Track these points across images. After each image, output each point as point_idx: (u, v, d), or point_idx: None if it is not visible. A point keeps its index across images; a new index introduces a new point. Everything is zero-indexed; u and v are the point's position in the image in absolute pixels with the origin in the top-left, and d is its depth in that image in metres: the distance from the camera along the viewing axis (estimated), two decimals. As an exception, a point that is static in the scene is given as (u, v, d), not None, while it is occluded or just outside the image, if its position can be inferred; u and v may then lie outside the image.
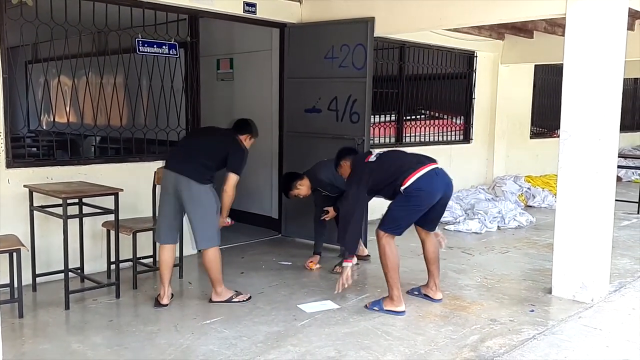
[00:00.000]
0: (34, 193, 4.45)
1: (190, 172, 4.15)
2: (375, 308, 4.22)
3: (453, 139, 8.80)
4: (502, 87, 9.18)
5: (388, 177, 4.18)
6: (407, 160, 4.28)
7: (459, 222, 7.20)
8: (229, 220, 4.47)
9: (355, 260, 5.24)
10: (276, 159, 6.50)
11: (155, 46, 5.32)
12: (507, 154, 9.46)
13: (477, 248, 6.23)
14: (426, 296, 4.48)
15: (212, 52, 7.06)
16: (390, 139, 7.80)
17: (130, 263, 4.68)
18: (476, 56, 8.80)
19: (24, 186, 4.46)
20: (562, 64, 4.46)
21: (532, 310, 4.29)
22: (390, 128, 7.79)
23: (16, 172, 4.54)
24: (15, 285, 4.03)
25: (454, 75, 8.62)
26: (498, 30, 8.33)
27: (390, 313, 4.14)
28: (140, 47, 5.23)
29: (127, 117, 5.53)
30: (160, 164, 5.16)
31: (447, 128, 8.71)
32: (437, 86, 8.40)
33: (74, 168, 4.85)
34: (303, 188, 5.19)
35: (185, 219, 4.32)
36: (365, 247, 5.63)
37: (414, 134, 8.13)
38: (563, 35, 4.53)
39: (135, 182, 5.11)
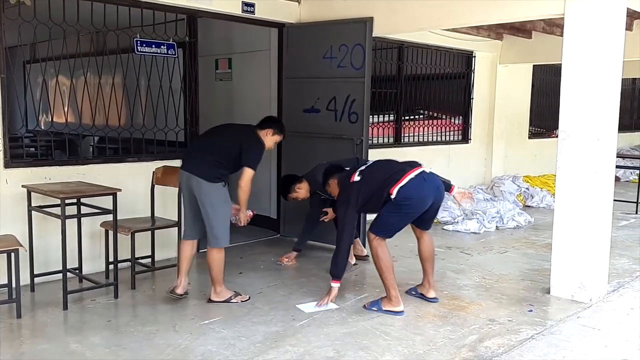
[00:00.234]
0: (32, 193, 4.44)
1: (199, 171, 4.19)
2: (373, 308, 4.22)
3: (451, 139, 8.80)
4: (500, 87, 9.18)
5: (375, 192, 4.17)
6: (390, 171, 4.22)
7: (457, 222, 7.21)
8: (249, 212, 4.50)
9: (353, 259, 5.26)
10: (275, 159, 6.49)
11: (153, 46, 5.32)
12: (506, 154, 9.46)
13: (476, 248, 6.24)
14: (421, 295, 4.49)
15: (210, 52, 7.06)
16: (388, 139, 7.80)
17: (129, 263, 4.67)
18: (475, 56, 8.81)
19: (22, 186, 4.46)
20: (561, 64, 4.46)
21: (531, 310, 4.29)
22: (388, 128, 7.80)
23: (14, 172, 4.53)
24: (14, 285, 4.03)
25: (452, 75, 8.62)
26: (496, 31, 8.34)
27: (388, 313, 4.15)
28: (138, 47, 5.22)
29: (126, 117, 5.52)
30: (158, 164, 5.17)
31: (445, 128, 8.71)
32: (436, 86, 8.40)
33: (72, 168, 4.85)
34: (302, 191, 5.19)
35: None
36: (364, 247, 5.63)
37: (412, 134, 8.14)
38: (561, 35, 4.54)
39: (133, 182, 5.11)
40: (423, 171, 4.23)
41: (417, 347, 3.63)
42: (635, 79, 13.94)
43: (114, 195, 4.31)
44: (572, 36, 4.38)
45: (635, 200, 8.33)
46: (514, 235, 6.90)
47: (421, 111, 8.38)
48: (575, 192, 4.44)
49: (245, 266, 5.40)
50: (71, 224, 4.43)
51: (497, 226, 7.21)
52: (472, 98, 8.92)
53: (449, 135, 8.78)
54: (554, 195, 5.02)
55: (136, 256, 4.73)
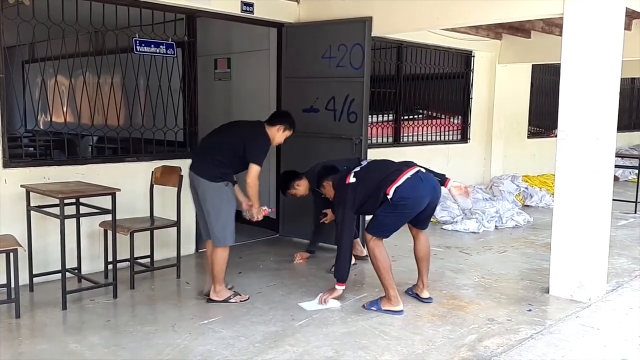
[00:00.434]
0: (31, 193, 4.44)
1: (201, 171, 4.22)
2: (373, 308, 4.22)
3: (450, 138, 8.80)
4: (499, 86, 9.18)
5: (371, 192, 4.16)
6: (385, 172, 4.21)
7: (456, 221, 7.21)
8: (265, 208, 4.51)
9: (352, 259, 5.25)
10: (274, 159, 6.49)
11: (152, 46, 5.31)
12: (505, 153, 9.46)
13: (475, 248, 6.24)
14: (416, 295, 4.49)
15: (209, 51, 7.05)
16: (387, 139, 7.80)
17: (128, 263, 4.67)
18: (474, 56, 8.80)
19: (21, 186, 4.45)
20: (560, 63, 4.47)
21: (530, 310, 4.29)
22: (387, 128, 7.80)
23: (13, 172, 4.53)
24: (12, 285, 4.03)
25: (451, 75, 8.62)
26: (495, 30, 8.34)
27: (388, 313, 4.15)
28: (137, 47, 5.21)
29: (125, 117, 5.52)
30: (157, 163, 5.17)
31: (444, 128, 8.71)
32: (435, 86, 8.40)
33: (71, 168, 4.84)
34: (301, 188, 5.18)
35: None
36: (364, 247, 5.63)
37: (411, 134, 8.14)
38: (560, 35, 4.54)
39: (132, 182, 5.11)
40: (419, 170, 4.23)
41: (416, 346, 3.64)
42: (634, 78, 13.95)
43: (113, 195, 4.31)
44: (571, 36, 4.38)
45: (634, 200, 8.34)
46: (513, 235, 6.90)
47: (420, 111, 8.38)
48: (574, 191, 4.44)
49: (244, 266, 5.40)
50: (70, 224, 4.42)
51: (496, 226, 7.21)
52: (471, 98, 8.92)
53: (448, 135, 8.78)
54: (553, 194, 5.02)
55: (135, 256, 4.73)
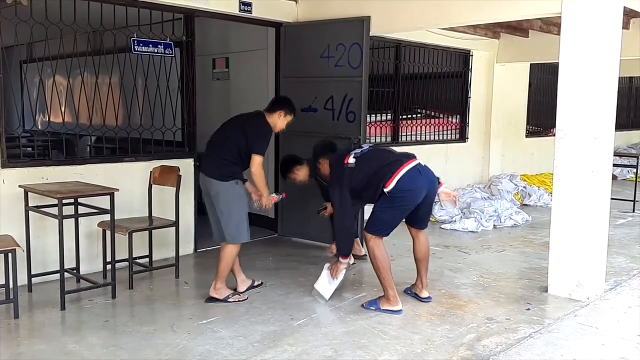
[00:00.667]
0: (29, 193, 4.43)
1: (210, 171, 4.27)
2: (371, 307, 4.22)
3: (449, 138, 8.81)
4: (497, 86, 9.19)
5: (368, 182, 4.16)
6: (386, 161, 4.20)
7: (455, 220, 7.21)
8: (274, 195, 4.55)
9: (352, 259, 5.25)
10: (273, 158, 6.49)
11: (150, 45, 5.31)
12: (503, 152, 9.47)
13: (474, 247, 6.24)
14: (415, 294, 4.49)
15: (207, 51, 7.05)
16: (386, 138, 7.80)
17: (126, 263, 4.66)
18: (472, 55, 8.81)
19: (19, 186, 4.45)
20: (558, 62, 4.47)
21: (529, 309, 4.30)
22: (386, 127, 7.80)
23: (11, 172, 4.52)
24: (11, 285, 4.01)
25: (449, 74, 8.62)
26: (494, 29, 8.34)
27: (386, 312, 4.15)
28: (135, 47, 5.21)
29: (123, 117, 5.52)
30: (156, 163, 5.17)
31: (443, 127, 8.71)
32: (433, 85, 8.40)
33: (70, 168, 4.84)
34: (300, 174, 5.13)
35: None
36: (362, 246, 5.63)
37: (409, 133, 8.14)
38: (558, 34, 4.55)
39: (131, 182, 5.10)
40: (419, 163, 4.23)
41: (415, 346, 3.64)
42: (632, 77, 13.97)
43: (112, 195, 4.30)
44: (569, 35, 4.39)
45: (633, 199, 8.35)
46: (511, 234, 6.91)
47: (418, 110, 8.38)
48: (572, 190, 4.44)
49: (243, 266, 5.35)
50: (68, 224, 4.42)
51: (494, 225, 7.22)
52: (470, 97, 8.92)
53: (447, 134, 8.78)
54: (551, 193, 5.03)
55: (134, 256, 4.72)
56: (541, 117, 10.46)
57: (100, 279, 4.70)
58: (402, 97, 7.91)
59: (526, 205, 8.67)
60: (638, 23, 7.47)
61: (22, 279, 4.37)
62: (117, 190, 4.36)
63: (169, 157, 5.43)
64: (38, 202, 4.46)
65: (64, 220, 4.12)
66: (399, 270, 4.97)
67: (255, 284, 4.66)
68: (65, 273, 4.27)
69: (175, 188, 4.87)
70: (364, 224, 4.36)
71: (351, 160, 4.23)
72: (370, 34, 5.63)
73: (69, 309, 4.18)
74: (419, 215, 4.33)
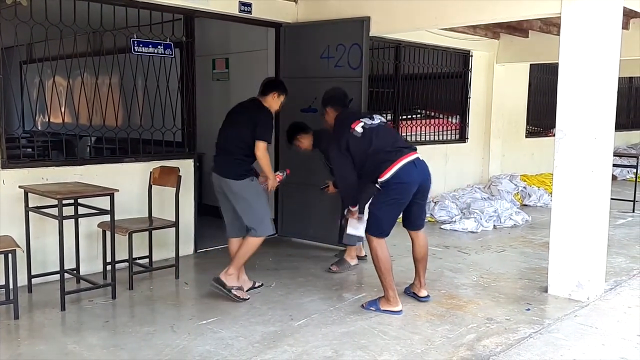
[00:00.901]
0: (29, 194, 4.43)
1: (226, 172, 4.33)
2: (371, 308, 4.22)
3: (449, 138, 8.81)
4: (497, 86, 9.19)
5: (366, 159, 4.16)
6: (388, 147, 4.18)
7: (455, 221, 7.21)
8: (279, 173, 4.62)
9: (355, 260, 5.25)
10: (273, 158, 6.48)
11: (150, 46, 5.31)
12: (503, 153, 9.47)
13: (473, 247, 6.24)
14: (414, 294, 4.49)
15: (207, 52, 7.05)
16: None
17: (126, 264, 4.66)
18: (472, 55, 8.81)
19: (19, 187, 4.45)
20: (558, 63, 4.47)
21: (528, 309, 4.30)
22: (386, 127, 7.79)
23: (11, 173, 4.52)
24: (11, 286, 4.01)
25: (449, 74, 8.62)
26: (493, 30, 8.34)
27: (386, 313, 4.15)
28: (135, 47, 5.21)
29: (123, 118, 5.52)
30: (155, 164, 5.17)
31: (442, 127, 8.71)
32: (433, 85, 8.40)
33: (70, 168, 4.84)
34: (304, 142, 5.20)
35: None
36: (363, 247, 5.62)
37: (409, 134, 8.14)
38: (558, 34, 4.54)
39: (130, 182, 5.10)
40: (417, 157, 4.22)
41: (415, 346, 3.64)
42: (632, 77, 13.98)
43: (111, 195, 4.30)
44: (569, 35, 4.39)
45: (632, 199, 8.35)
46: (511, 234, 6.91)
47: (418, 110, 8.39)
48: (572, 190, 4.44)
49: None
50: (68, 225, 4.42)
51: (494, 225, 7.22)
52: (469, 97, 8.92)
53: (447, 135, 8.78)
54: (551, 194, 5.03)
55: (134, 257, 4.72)
56: (541, 117, 10.47)
57: (100, 280, 4.70)
58: (402, 97, 7.91)
59: (526, 205, 8.67)
60: (638, 23, 7.47)
61: (22, 280, 4.37)
62: (117, 190, 4.36)
63: (168, 157, 5.43)
64: (38, 203, 4.46)
65: (64, 220, 4.12)
66: (399, 271, 4.97)
67: (257, 285, 4.66)
68: (65, 274, 4.27)
69: (175, 188, 4.87)
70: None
71: (358, 128, 4.21)
72: (370, 35, 5.64)
73: (69, 310, 4.18)
74: (413, 213, 4.33)
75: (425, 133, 8.40)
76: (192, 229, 5.67)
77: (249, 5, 5.77)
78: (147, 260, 5.13)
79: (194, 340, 3.69)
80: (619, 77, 4.52)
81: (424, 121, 8.42)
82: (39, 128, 5.57)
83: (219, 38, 7.21)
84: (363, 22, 5.57)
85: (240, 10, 5.72)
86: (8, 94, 4.70)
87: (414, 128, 8.23)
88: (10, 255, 3.92)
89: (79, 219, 4.59)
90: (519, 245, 6.37)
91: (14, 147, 4.85)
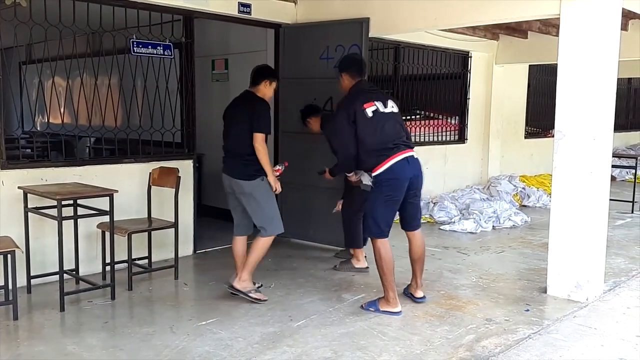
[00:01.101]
0: (28, 194, 4.43)
1: (236, 173, 4.35)
2: (371, 309, 4.22)
3: (448, 139, 8.81)
4: (496, 87, 9.20)
5: (363, 146, 4.16)
6: (388, 142, 4.16)
7: (454, 222, 7.22)
8: (278, 167, 4.61)
9: (365, 263, 5.23)
10: (272, 159, 6.48)
11: (149, 47, 5.31)
12: (502, 153, 9.48)
13: (473, 248, 6.25)
14: (410, 294, 4.49)
15: (207, 52, 7.05)
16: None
17: (126, 264, 4.66)
18: (471, 56, 8.82)
19: (19, 188, 4.44)
20: (557, 64, 4.48)
21: (528, 310, 4.30)
22: (385, 128, 7.78)
23: (10, 173, 4.52)
24: (10, 287, 4.01)
25: (448, 75, 8.63)
26: (492, 31, 8.35)
27: (386, 313, 4.15)
28: (134, 48, 5.21)
29: (122, 118, 5.52)
30: (155, 165, 5.17)
31: (442, 128, 8.72)
32: (432, 86, 8.41)
33: (69, 169, 4.83)
34: (313, 124, 5.35)
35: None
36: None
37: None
38: (557, 35, 4.55)
39: (130, 183, 5.10)
40: (411, 155, 4.22)
41: (414, 347, 3.64)
42: (631, 78, 13.99)
43: (111, 196, 4.30)
44: (568, 36, 4.40)
45: (631, 200, 8.36)
46: (510, 235, 6.91)
47: (418, 111, 8.39)
48: (571, 191, 4.45)
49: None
50: (68, 225, 4.41)
51: (493, 226, 7.23)
52: (469, 98, 8.93)
53: (446, 135, 8.79)
54: (550, 194, 5.02)
55: (133, 257, 4.72)
56: (540, 118, 10.47)
57: (100, 280, 4.70)
58: (401, 98, 7.90)
59: (525, 206, 8.68)
60: (637, 24, 7.48)
61: (22, 281, 4.36)
62: (117, 191, 4.36)
63: (168, 158, 5.43)
64: (37, 204, 4.45)
65: (63, 221, 4.12)
66: (398, 272, 4.93)
67: (256, 285, 4.65)
68: (65, 274, 4.27)
69: (174, 189, 4.87)
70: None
71: (369, 112, 4.18)
72: (370, 35, 5.64)
73: (68, 311, 4.18)
74: (408, 213, 4.35)
75: (424, 134, 8.41)
76: (191, 229, 5.67)
77: (248, 6, 5.77)
78: (146, 261, 5.13)
79: (194, 341, 3.69)
80: (618, 78, 4.53)
81: (423, 122, 8.42)
82: (38, 129, 5.58)
83: (219, 39, 7.21)
84: (362, 23, 5.57)
85: (239, 11, 5.72)
86: (7, 95, 4.70)
87: (413, 129, 8.22)
88: (9, 255, 3.92)
89: (78, 220, 4.58)
90: (518, 246, 6.37)
91: (13, 147, 4.86)
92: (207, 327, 3.92)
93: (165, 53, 5.42)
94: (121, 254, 4.59)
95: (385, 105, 4.27)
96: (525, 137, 10.25)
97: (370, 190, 4.22)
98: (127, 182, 5.06)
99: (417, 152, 4.34)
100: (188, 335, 3.77)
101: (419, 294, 4.45)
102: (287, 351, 3.54)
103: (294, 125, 6.11)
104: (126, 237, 4.53)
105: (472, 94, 8.95)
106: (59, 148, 5.18)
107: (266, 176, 4.37)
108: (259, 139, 4.28)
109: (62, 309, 4.17)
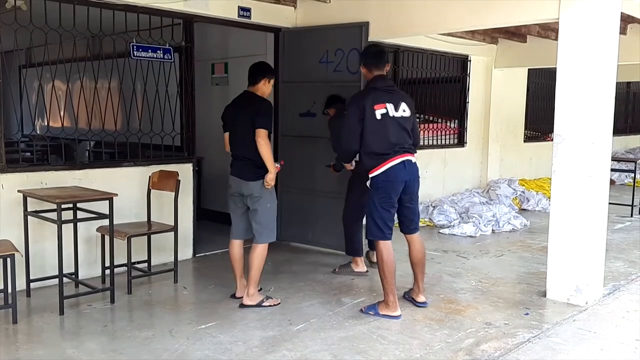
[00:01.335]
0: (28, 198, 4.43)
1: (245, 175, 4.32)
2: (370, 312, 4.22)
3: (447, 142, 8.82)
4: (495, 90, 9.21)
5: (365, 148, 4.18)
6: (389, 145, 4.16)
7: (453, 225, 7.22)
8: (276, 165, 4.55)
9: (364, 268, 5.24)
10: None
11: (149, 51, 5.32)
12: (501, 157, 9.49)
13: (472, 251, 6.25)
14: (412, 299, 4.49)
15: (206, 56, 7.06)
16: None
17: (125, 268, 4.66)
18: (470, 60, 8.84)
19: (18, 191, 4.45)
20: (556, 68, 4.49)
21: (527, 314, 4.30)
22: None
23: (10, 177, 4.52)
24: (9, 290, 4.01)
25: (448, 79, 8.64)
26: (492, 35, 8.37)
27: (385, 317, 4.15)
28: (134, 52, 5.22)
29: (122, 122, 5.52)
30: (154, 168, 5.17)
31: (441, 132, 8.73)
32: (432, 90, 8.42)
33: (68, 173, 4.84)
34: (332, 113, 5.43)
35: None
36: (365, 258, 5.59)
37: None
38: (556, 39, 4.56)
39: (129, 186, 5.10)
40: (409, 160, 4.22)
41: (414, 351, 3.64)
42: (630, 82, 14.03)
43: (110, 200, 4.31)
44: (567, 40, 4.41)
45: (631, 204, 8.36)
46: (510, 239, 6.91)
47: (417, 115, 8.37)
48: (570, 195, 4.45)
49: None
50: (67, 229, 4.41)
51: (493, 229, 7.23)
52: (468, 102, 8.94)
53: (445, 139, 8.79)
54: (549, 198, 5.03)
55: (132, 261, 4.71)
56: (539, 122, 10.49)
57: (99, 284, 4.70)
58: (401, 102, 7.91)
59: (524, 209, 8.68)
60: (635, 28, 7.50)
61: (21, 284, 4.36)
62: (116, 195, 4.36)
63: (167, 162, 5.43)
64: (37, 207, 4.45)
65: (62, 225, 4.12)
66: (398, 275, 4.92)
67: (259, 289, 4.64)
68: (64, 278, 4.26)
69: (174, 193, 4.87)
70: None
71: (379, 113, 4.16)
72: (369, 40, 5.65)
73: (67, 314, 4.18)
74: (405, 216, 4.35)
75: (423, 137, 8.39)
76: (190, 233, 5.67)
77: (248, 10, 5.78)
78: (145, 264, 5.13)
79: (193, 344, 3.68)
80: (617, 82, 4.54)
81: (422, 126, 8.41)
82: (38, 132, 5.58)
83: (218, 43, 7.23)
84: (362, 27, 5.58)
85: (239, 15, 5.73)
86: (7, 98, 4.70)
87: (413, 132, 8.22)
88: (9, 259, 3.92)
89: (78, 223, 4.58)
90: (517, 249, 6.38)
91: (13, 151, 4.86)
92: (207, 330, 3.92)
93: (165, 57, 5.43)
94: (121, 258, 4.60)
95: (397, 109, 4.23)
96: (525, 141, 10.26)
97: (368, 192, 4.23)
98: (126, 185, 5.06)
99: (417, 155, 4.34)
100: (187, 339, 3.77)
101: (421, 298, 4.45)
102: (286, 355, 3.54)
103: (294, 129, 6.12)
104: (126, 240, 4.53)
105: (472, 97, 8.97)
106: (58, 152, 5.19)
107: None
108: (262, 134, 4.24)
109: (61, 312, 4.16)
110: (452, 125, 8.94)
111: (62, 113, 5.31)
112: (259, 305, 4.35)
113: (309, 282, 5.06)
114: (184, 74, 5.58)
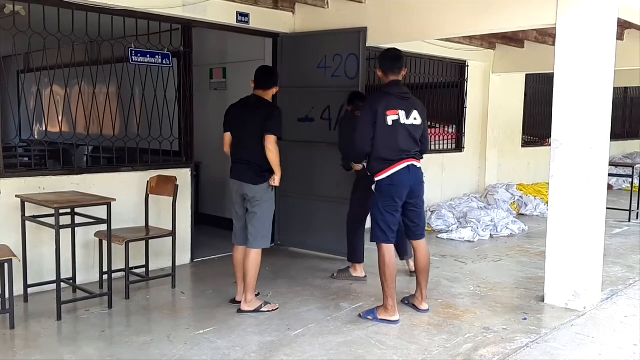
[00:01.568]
0: (26, 203, 4.42)
1: (248, 178, 4.32)
2: (369, 317, 4.22)
3: (445, 147, 8.83)
4: (493, 96, 9.23)
5: (373, 152, 4.19)
6: (396, 152, 4.18)
7: (451, 230, 7.22)
8: None
9: (363, 273, 5.23)
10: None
11: (148, 56, 5.33)
12: (499, 162, 9.50)
13: (470, 256, 6.25)
14: (413, 305, 4.48)
15: (205, 61, 7.07)
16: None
17: (123, 273, 4.65)
18: (468, 65, 8.86)
19: (16, 196, 4.44)
20: (553, 73, 4.50)
21: (525, 319, 4.30)
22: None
23: (8, 182, 4.52)
24: (7, 296, 4.00)
25: (445, 84, 8.67)
26: (489, 40, 8.40)
27: (384, 322, 4.14)
28: (133, 57, 5.23)
29: (120, 127, 5.52)
30: (152, 173, 5.17)
31: (439, 137, 8.74)
32: (429, 95, 8.43)
33: (66, 178, 4.83)
34: (350, 110, 5.41)
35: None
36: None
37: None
38: (554, 44, 4.58)
39: (127, 191, 5.10)
40: (413, 164, 4.23)
41: (412, 356, 3.63)
42: (627, 88, 14.06)
43: (108, 205, 4.30)
44: (565, 46, 4.42)
45: (628, 209, 8.38)
46: (508, 244, 6.92)
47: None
48: (568, 200, 4.46)
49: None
50: (65, 234, 4.40)
51: (491, 234, 7.23)
52: (466, 107, 8.96)
53: (443, 144, 8.81)
54: (547, 203, 5.04)
55: (130, 266, 4.71)
56: (537, 127, 10.51)
57: (97, 289, 4.69)
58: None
59: (522, 214, 8.69)
60: (632, 34, 7.53)
61: (18, 289, 4.34)
62: (114, 200, 4.36)
63: (166, 167, 5.43)
64: (35, 212, 4.45)
65: (60, 230, 4.11)
66: (398, 280, 4.95)
67: (256, 295, 4.63)
68: (62, 283, 4.25)
69: (172, 198, 4.87)
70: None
71: (390, 119, 4.18)
72: (367, 45, 5.67)
73: (65, 320, 4.17)
74: (411, 220, 4.35)
75: (421, 142, 8.42)
76: (188, 238, 5.67)
77: (247, 15, 5.79)
78: (143, 269, 5.11)
79: (191, 350, 3.67)
80: (614, 87, 4.55)
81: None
82: (36, 137, 5.57)
83: (217, 48, 7.23)
84: (360, 33, 5.60)
85: (238, 21, 5.75)
86: (5, 103, 4.71)
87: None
88: (6, 264, 3.92)
89: (76, 228, 4.57)
90: (515, 254, 6.38)
91: (11, 156, 4.87)
92: (205, 336, 3.91)
93: (164, 62, 5.44)
94: (118, 263, 4.59)
95: (408, 116, 4.26)
96: (522, 146, 10.28)
97: (373, 196, 4.25)
98: (124, 190, 5.06)
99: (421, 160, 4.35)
100: (185, 344, 3.76)
101: (424, 306, 4.44)
102: (284, 360, 3.54)
103: (292, 134, 6.11)
104: (124, 245, 4.53)
105: (469, 102, 8.98)
106: (56, 156, 5.18)
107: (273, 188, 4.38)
108: (272, 140, 4.26)
109: (59, 317, 4.15)
110: (450, 130, 8.96)
111: (60, 118, 5.31)
112: (257, 310, 4.34)
113: (307, 287, 5.05)
114: (183, 79, 5.59)
